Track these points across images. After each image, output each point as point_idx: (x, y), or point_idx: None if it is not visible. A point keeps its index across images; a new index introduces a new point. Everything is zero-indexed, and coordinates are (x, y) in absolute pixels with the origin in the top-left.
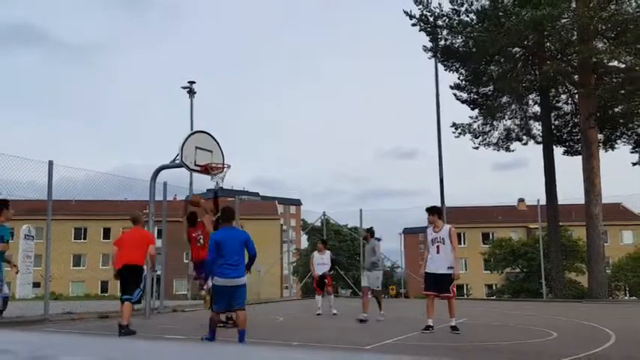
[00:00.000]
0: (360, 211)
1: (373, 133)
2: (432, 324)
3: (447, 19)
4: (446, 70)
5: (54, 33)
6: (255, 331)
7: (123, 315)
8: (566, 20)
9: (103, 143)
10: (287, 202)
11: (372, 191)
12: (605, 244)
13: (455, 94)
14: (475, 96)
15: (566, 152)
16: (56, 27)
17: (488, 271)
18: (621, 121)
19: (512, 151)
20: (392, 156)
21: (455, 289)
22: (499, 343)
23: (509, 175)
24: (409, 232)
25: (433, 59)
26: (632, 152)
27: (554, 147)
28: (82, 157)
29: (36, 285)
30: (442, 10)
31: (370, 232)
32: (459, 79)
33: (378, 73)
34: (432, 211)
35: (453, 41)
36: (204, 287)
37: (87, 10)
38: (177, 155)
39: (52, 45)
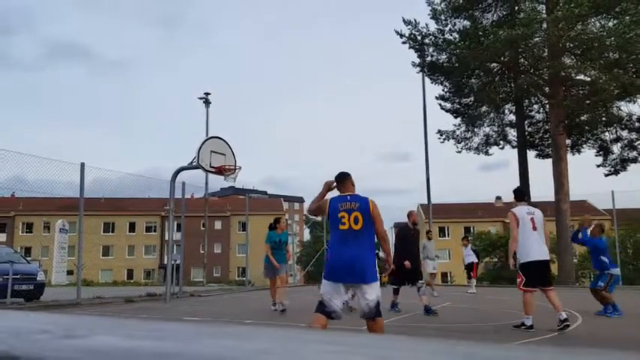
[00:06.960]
0: None
1: (371, 138)
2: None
3: (433, 38)
4: (432, 82)
5: (96, 49)
6: (265, 314)
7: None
8: (538, 39)
9: (135, 147)
10: (291, 199)
11: (370, 190)
12: None
13: (440, 104)
14: (458, 106)
15: (538, 155)
16: (98, 44)
17: None
18: (587, 128)
19: (491, 154)
20: (388, 158)
21: (520, 279)
22: (483, 324)
23: (489, 176)
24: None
25: (421, 73)
26: (596, 155)
27: (528, 151)
28: (116, 159)
29: (69, 273)
30: (429, 30)
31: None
32: (443, 90)
33: (376, 83)
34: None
35: (438, 57)
36: None
37: (125, 29)
38: (194, 158)
39: (93, 60)
